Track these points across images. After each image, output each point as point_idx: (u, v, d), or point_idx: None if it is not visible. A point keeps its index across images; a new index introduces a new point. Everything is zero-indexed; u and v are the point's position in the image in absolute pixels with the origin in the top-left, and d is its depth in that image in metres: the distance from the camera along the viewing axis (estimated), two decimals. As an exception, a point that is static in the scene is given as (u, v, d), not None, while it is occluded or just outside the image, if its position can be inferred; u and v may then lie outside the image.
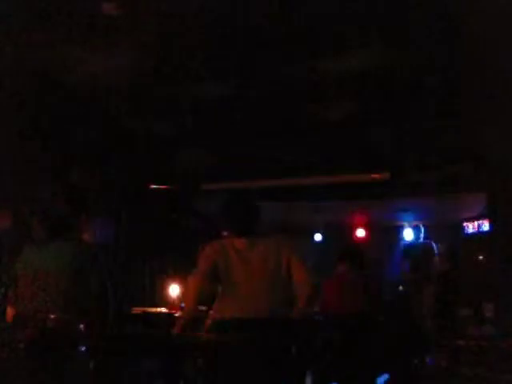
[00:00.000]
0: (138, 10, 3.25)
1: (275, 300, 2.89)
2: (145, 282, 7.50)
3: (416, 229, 9.14)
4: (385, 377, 5.28)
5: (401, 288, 6.44)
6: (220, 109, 4.68)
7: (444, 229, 8.83)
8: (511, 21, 3.24)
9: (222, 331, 2.84)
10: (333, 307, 4.85)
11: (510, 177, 5.43)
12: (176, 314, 6.04)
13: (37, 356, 2.70)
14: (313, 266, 3.28)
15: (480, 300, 6.33)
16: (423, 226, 9.10)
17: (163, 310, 6.55)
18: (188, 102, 4.56)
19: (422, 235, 9.10)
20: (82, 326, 2.82)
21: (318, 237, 9.62)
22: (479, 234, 8.07)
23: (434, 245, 6.67)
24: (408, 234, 9.17)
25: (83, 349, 2.83)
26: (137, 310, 6.36)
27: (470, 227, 8.34)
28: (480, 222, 8.07)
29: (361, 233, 9.27)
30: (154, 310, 6.57)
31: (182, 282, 6.84)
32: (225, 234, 3.13)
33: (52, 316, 2.76)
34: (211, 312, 3.08)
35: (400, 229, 9.28)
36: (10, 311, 2.91)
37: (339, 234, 9.14)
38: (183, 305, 6.52)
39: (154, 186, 7.00)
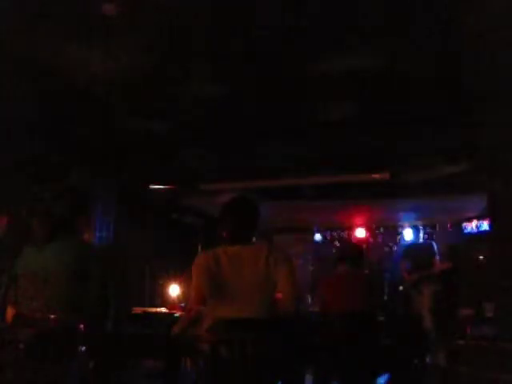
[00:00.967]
0: (138, 10, 3.25)
1: (263, 303, 2.93)
2: (145, 282, 7.51)
3: (416, 229, 9.15)
4: (385, 377, 5.29)
5: (401, 288, 6.45)
6: (220, 109, 4.68)
7: (444, 229, 8.84)
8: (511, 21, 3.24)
9: (223, 331, 2.86)
10: (333, 307, 4.86)
11: (510, 177, 5.43)
12: (176, 314, 6.05)
13: (37, 356, 2.70)
14: (313, 266, 3.31)
15: (480, 300, 6.33)
16: (423, 226, 9.11)
17: (163, 309, 6.56)
18: (188, 102, 4.55)
19: (421, 235, 9.11)
20: (82, 326, 2.82)
21: (317, 237, 9.63)
22: (479, 233, 8.08)
23: (434, 245, 6.67)
24: (408, 234, 9.17)
25: (83, 349, 2.83)
26: (137, 309, 6.38)
27: (470, 227, 8.35)
28: (480, 221, 8.08)
29: (361, 233, 9.28)
30: (154, 309, 6.58)
31: (182, 282, 6.85)
32: (224, 234, 3.14)
33: (52, 316, 2.76)
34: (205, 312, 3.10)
35: (400, 229, 9.29)
36: (9, 311, 2.90)
37: (339, 233, 9.16)
38: (183, 304, 6.54)
39: (154, 186, 7.00)
